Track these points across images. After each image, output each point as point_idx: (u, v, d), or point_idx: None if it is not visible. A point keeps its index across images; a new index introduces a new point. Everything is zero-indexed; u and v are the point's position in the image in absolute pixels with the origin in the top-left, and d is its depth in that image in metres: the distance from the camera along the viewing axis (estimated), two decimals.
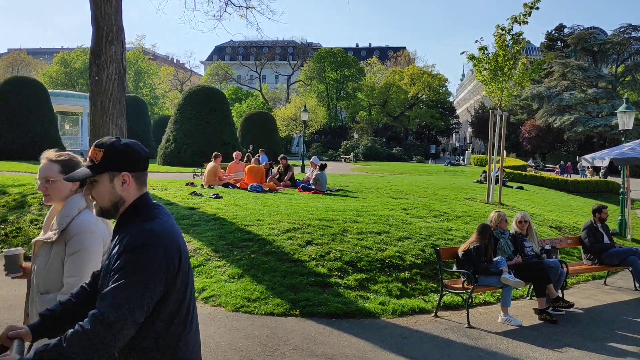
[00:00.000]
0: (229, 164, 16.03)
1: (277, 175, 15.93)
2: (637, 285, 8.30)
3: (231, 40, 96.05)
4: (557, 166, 45.14)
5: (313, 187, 14.51)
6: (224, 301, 6.46)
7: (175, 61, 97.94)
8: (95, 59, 11.95)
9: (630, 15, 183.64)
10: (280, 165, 16.37)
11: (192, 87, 37.85)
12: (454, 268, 6.92)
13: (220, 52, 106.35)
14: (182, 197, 11.10)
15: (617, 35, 56.03)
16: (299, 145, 63.20)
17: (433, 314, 6.57)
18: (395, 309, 6.52)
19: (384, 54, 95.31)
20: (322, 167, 15.10)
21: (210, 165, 14.68)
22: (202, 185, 14.25)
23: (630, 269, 8.26)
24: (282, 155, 17.55)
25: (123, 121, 12.30)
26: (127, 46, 12.96)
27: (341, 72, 72.90)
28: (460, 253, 6.81)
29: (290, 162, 17.42)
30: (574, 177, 35.04)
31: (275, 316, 6.16)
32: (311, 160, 16.39)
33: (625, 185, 14.04)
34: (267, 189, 13.85)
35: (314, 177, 14.84)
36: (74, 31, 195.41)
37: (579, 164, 41.41)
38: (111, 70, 11.90)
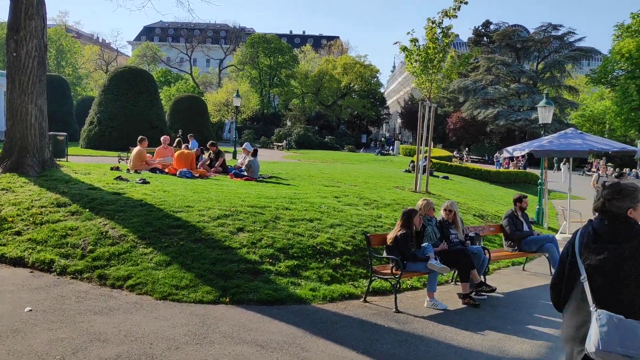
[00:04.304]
0: (157, 148, 15.49)
1: (208, 162, 15.60)
2: (552, 271, 8.77)
3: (161, 21, 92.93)
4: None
5: (245, 173, 14.36)
6: (150, 289, 6.28)
7: (100, 40, 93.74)
8: (13, 34, 11.20)
9: (552, 14, 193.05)
10: (211, 151, 16.00)
11: (118, 67, 36.33)
12: (384, 254, 7.05)
13: (149, 32, 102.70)
14: (107, 181, 10.64)
15: (539, 34, 58.81)
16: (230, 132, 62.24)
17: (362, 299, 6.68)
18: (326, 294, 6.58)
19: (317, 42, 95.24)
20: (254, 153, 14.95)
21: (136, 149, 14.16)
22: (127, 170, 13.73)
23: (547, 255, 8.74)
24: (210, 142, 16.79)
25: (43, 101, 11.63)
26: (48, 22, 12.23)
27: (275, 58, 72.22)
28: (389, 240, 6.94)
29: (222, 149, 17.07)
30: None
31: (205, 304, 6.05)
32: (243, 146, 16.19)
33: (543, 177, 14.83)
34: (197, 175, 13.54)
35: (246, 163, 14.68)
36: None
37: (495, 155, 42.95)
38: (31, 47, 11.21)
